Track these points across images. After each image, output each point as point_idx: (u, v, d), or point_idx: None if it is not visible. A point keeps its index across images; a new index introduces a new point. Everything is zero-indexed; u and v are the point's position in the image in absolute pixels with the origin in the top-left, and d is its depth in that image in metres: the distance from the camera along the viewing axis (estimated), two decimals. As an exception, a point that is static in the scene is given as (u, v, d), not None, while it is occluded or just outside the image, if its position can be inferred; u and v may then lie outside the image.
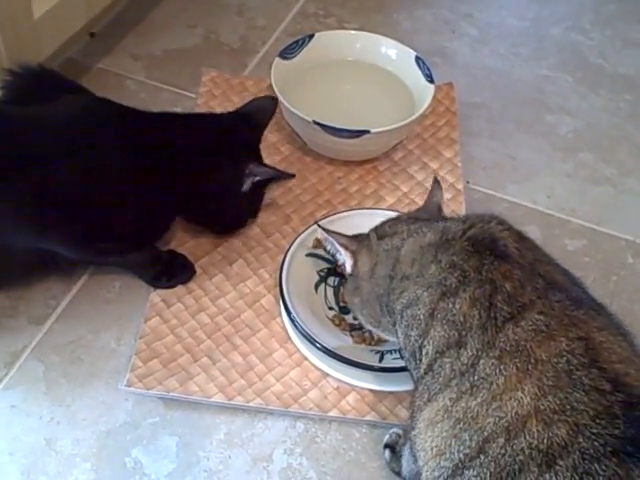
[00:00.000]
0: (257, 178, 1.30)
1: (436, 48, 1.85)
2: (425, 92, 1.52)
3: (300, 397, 1.19)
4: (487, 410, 0.82)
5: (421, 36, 1.88)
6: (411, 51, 1.59)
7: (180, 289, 1.32)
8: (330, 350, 1.17)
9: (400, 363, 1.16)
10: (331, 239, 1.15)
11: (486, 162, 1.60)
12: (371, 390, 1.20)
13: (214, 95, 1.66)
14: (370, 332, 1.25)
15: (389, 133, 1.45)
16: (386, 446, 1.14)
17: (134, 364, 1.20)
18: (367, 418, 1.17)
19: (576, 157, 1.64)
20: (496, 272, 0.90)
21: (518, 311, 0.86)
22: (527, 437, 0.78)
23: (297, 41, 1.60)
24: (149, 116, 1.28)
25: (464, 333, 0.88)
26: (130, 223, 1.21)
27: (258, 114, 1.38)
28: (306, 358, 1.23)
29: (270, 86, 1.52)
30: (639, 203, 1.56)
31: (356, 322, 1.27)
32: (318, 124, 1.42)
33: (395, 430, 1.15)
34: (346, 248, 1.13)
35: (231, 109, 1.57)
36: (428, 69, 1.55)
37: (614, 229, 1.49)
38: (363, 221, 1.26)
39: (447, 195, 1.49)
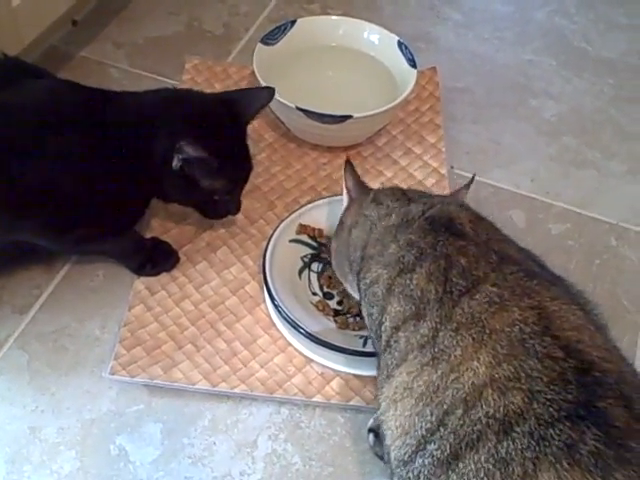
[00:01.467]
0: (181, 156, 1.17)
1: (420, 33, 1.85)
2: (408, 77, 1.52)
3: (284, 383, 1.19)
4: (446, 382, 0.84)
5: (405, 21, 1.87)
6: (394, 36, 1.59)
7: (164, 277, 1.31)
8: (314, 336, 1.17)
9: (384, 348, 1.17)
10: (345, 176, 1.21)
11: (470, 147, 1.61)
12: (355, 375, 1.20)
13: (197, 82, 1.65)
14: (354, 317, 1.26)
15: (372, 118, 1.45)
16: (370, 430, 1.14)
17: (118, 352, 1.20)
18: (351, 403, 1.18)
19: (560, 141, 1.64)
20: (451, 247, 0.93)
21: (473, 284, 0.89)
22: (484, 406, 0.80)
23: (279, 27, 1.60)
24: (112, 95, 1.24)
25: (422, 307, 0.90)
26: (102, 207, 1.18)
27: (246, 102, 1.28)
28: (290, 344, 1.23)
29: (253, 73, 1.51)
30: (622, 186, 1.56)
31: (340, 307, 1.27)
32: (301, 110, 1.42)
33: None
34: (348, 191, 1.20)
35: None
36: (411, 54, 1.55)
37: (598, 212, 1.50)
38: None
39: (431, 180, 1.49)
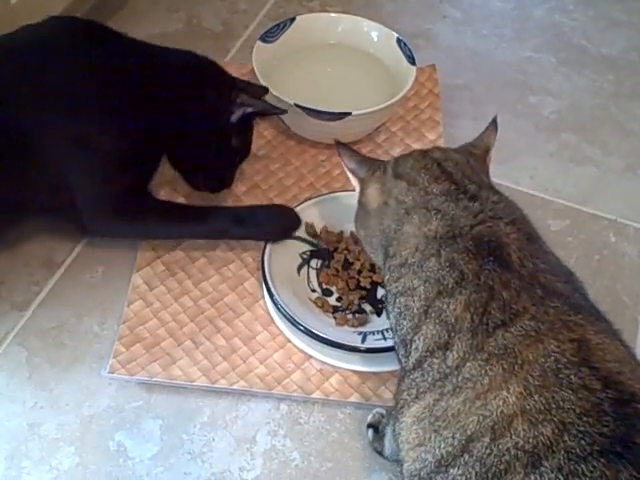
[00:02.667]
0: (249, 109, 1.27)
1: (419, 30, 1.85)
2: (407, 74, 1.52)
3: (283, 379, 1.19)
4: (470, 408, 0.81)
5: (404, 18, 1.87)
6: (392, 33, 1.59)
7: (163, 272, 1.32)
8: (313, 332, 1.17)
9: (383, 344, 1.17)
10: (342, 161, 1.13)
11: (469, 144, 1.60)
12: (354, 371, 1.20)
13: (196, 80, 1.65)
14: (353, 314, 1.26)
15: (371, 115, 1.45)
16: (369, 426, 1.14)
17: (117, 350, 1.20)
18: (350, 399, 1.18)
19: (559, 137, 1.64)
20: (496, 280, 0.87)
21: (510, 318, 0.84)
22: (513, 437, 0.76)
23: (278, 25, 1.60)
24: (129, 40, 1.30)
25: (452, 335, 0.86)
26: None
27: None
28: (289, 340, 1.23)
29: (252, 70, 1.51)
30: (622, 183, 1.56)
31: (339, 304, 1.27)
32: (300, 107, 1.42)
33: (378, 410, 1.15)
34: (354, 174, 1.11)
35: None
36: (409, 51, 1.55)
37: (597, 209, 1.50)
38: (347, 203, 1.26)
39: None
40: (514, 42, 1.87)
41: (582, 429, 0.74)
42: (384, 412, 1.14)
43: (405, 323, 0.93)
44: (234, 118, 1.26)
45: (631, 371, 0.79)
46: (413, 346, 0.91)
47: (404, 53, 1.56)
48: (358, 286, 1.29)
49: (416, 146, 1.55)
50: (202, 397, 1.19)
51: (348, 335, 1.21)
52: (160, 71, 1.25)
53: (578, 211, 1.49)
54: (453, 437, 0.81)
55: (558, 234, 1.44)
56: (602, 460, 0.71)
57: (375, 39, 1.62)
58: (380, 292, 1.29)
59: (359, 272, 1.30)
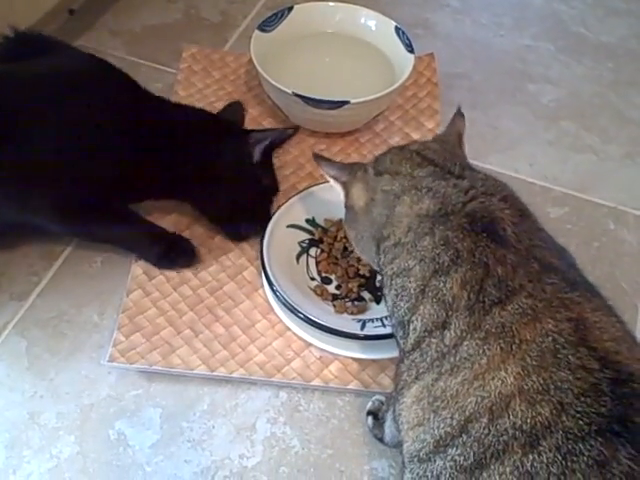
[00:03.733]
0: (264, 143, 1.29)
1: (418, 19, 1.85)
2: (405, 62, 1.52)
3: (283, 367, 1.19)
4: (468, 389, 0.80)
5: (402, 7, 1.87)
6: (391, 22, 1.58)
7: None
8: (312, 320, 1.17)
9: (382, 331, 1.17)
10: (323, 170, 1.15)
11: (468, 132, 1.56)
12: (354, 359, 1.20)
13: (194, 71, 1.65)
14: (352, 302, 1.26)
15: (369, 103, 1.45)
16: (369, 413, 1.15)
17: (116, 339, 1.20)
18: (350, 386, 1.18)
19: (558, 125, 1.64)
20: (490, 256, 0.86)
21: (506, 295, 0.83)
22: (511, 417, 0.76)
23: (276, 14, 1.60)
24: (147, 94, 1.30)
25: (450, 314, 0.86)
26: (110, 188, 1.21)
27: (232, 114, 1.42)
28: (289, 328, 1.23)
29: (251, 60, 1.51)
30: (620, 170, 1.56)
31: (338, 292, 1.27)
32: (298, 96, 1.42)
33: (378, 397, 1.16)
34: (336, 179, 1.12)
35: (211, 84, 1.59)
36: (408, 39, 1.54)
37: (596, 196, 1.50)
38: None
39: (429, 165, 1.49)
40: (513, 31, 1.86)
41: (580, 409, 0.73)
42: (383, 399, 1.15)
43: (402, 304, 0.93)
44: (256, 157, 1.29)
45: (628, 350, 0.79)
46: (411, 327, 0.90)
47: (402, 42, 1.56)
48: (357, 274, 1.29)
49: (415, 135, 1.55)
50: (202, 385, 1.19)
51: (347, 323, 1.20)
52: (183, 129, 1.29)
53: (577, 199, 1.49)
54: (452, 418, 0.81)
55: (557, 222, 1.44)
56: (600, 439, 0.71)
57: (373, 28, 1.61)
58: (379, 279, 1.29)
59: (358, 260, 1.30)
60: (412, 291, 0.91)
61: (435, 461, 0.82)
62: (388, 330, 1.16)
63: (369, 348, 1.19)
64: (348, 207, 1.11)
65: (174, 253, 1.31)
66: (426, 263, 0.90)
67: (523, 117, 1.65)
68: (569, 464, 0.71)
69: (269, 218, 1.31)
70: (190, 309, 1.26)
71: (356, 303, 1.25)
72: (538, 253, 0.88)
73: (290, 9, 1.60)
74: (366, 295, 1.28)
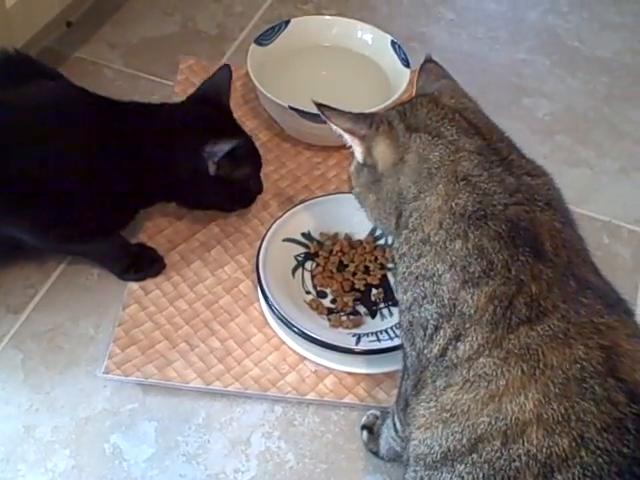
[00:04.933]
0: (218, 156, 1.22)
1: (414, 33, 1.85)
2: (401, 76, 1.52)
3: (278, 381, 1.20)
4: (482, 409, 0.77)
5: (399, 21, 1.88)
6: (387, 35, 1.59)
7: (158, 276, 1.32)
8: (308, 334, 1.18)
9: (377, 346, 1.18)
10: (334, 125, 0.99)
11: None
12: (348, 373, 1.21)
13: (192, 83, 1.65)
14: (347, 315, 1.26)
15: (365, 118, 1.45)
16: (363, 427, 1.15)
17: (112, 351, 1.21)
18: (345, 400, 1.18)
19: (553, 140, 1.65)
20: (527, 272, 0.80)
21: (537, 315, 0.78)
22: (526, 444, 0.73)
23: (273, 27, 1.60)
24: (117, 105, 1.26)
25: (468, 325, 0.81)
26: (93, 210, 1.20)
27: (214, 89, 1.33)
28: (284, 342, 1.24)
29: (247, 73, 1.52)
30: (615, 184, 1.57)
31: (333, 306, 1.28)
32: (295, 109, 1.42)
33: (372, 412, 1.16)
34: (353, 134, 0.97)
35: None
36: (404, 53, 1.55)
37: (591, 210, 1.50)
38: (342, 206, 1.27)
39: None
40: (508, 44, 1.87)
41: (601, 445, 0.70)
42: (378, 413, 1.15)
43: (430, 308, 0.86)
44: (212, 171, 1.24)
45: None
46: (441, 333, 0.84)
47: (399, 56, 1.56)
48: (353, 288, 1.30)
49: (410, 148, 1.55)
50: (197, 399, 1.19)
51: (342, 337, 1.21)
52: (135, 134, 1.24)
53: (572, 212, 1.49)
54: (462, 433, 0.78)
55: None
56: None
57: (370, 42, 1.62)
58: (374, 293, 1.29)
59: (354, 274, 1.30)
60: (445, 301, 0.84)
61: (442, 473, 0.80)
62: (383, 345, 1.17)
63: (364, 362, 1.19)
64: (368, 166, 0.98)
65: (138, 266, 1.31)
66: (456, 271, 0.83)
67: (518, 131, 1.62)
68: None
69: (256, 190, 1.35)
70: (186, 323, 1.26)
71: (351, 317, 1.26)
72: (576, 270, 0.83)
73: (287, 23, 1.61)
74: (361, 309, 1.28)
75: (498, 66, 1.81)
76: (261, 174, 1.40)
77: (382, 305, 1.28)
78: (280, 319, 1.20)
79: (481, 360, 0.79)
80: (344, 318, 1.26)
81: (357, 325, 1.25)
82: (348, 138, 0.98)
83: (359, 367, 1.20)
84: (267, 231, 1.31)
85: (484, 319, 0.80)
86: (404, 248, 0.90)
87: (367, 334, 1.22)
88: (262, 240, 1.30)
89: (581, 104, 1.73)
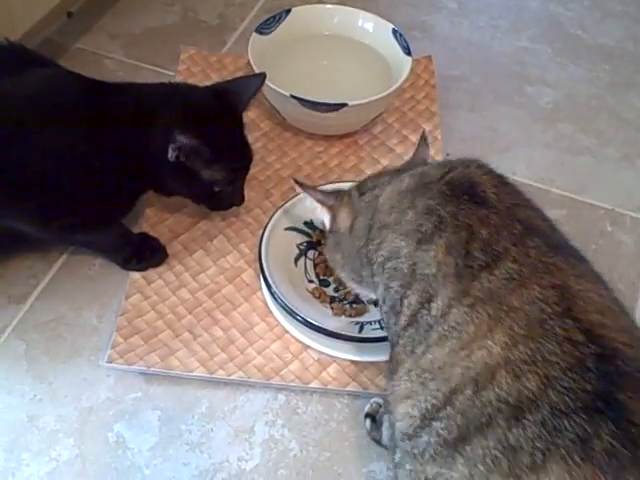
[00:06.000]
0: (176, 145, 1.16)
1: (415, 22, 1.85)
2: (403, 65, 1.52)
3: (281, 369, 1.20)
4: (455, 360, 0.81)
5: (400, 10, 1.87)
6: (388, 24, 1.59)
7: (160, 266, 1.32)
8: (310, 322, 1.18)
9: (380, 333, 1.17)
10: (308, 195, 1.15)
11: (466, 134, 1.61)
12: (352, 361, 1.20)
13: (192, 72, 1.66)
14: (350, 304, 1.26)
15: (367, 106, 1.45)
16: (367, 415, 1.15)
17: (115, 340, 1.21)
18: (348, 389, 1.18)
19: (555, 128, 1.64)
20: (473, 217, 0.88)
21: (493, 259, 0.84)
22: (496, 389, 0.77)
23: (274, 16, 1.60)
24: (110, 87, 1.24)
25: (436, 284, 0.87)
26: (92, 198, 1.19)
27: (239, 90, 1.29)
28: (287, 331, 1.24)
29: (249, 62, 1.51)
30: (618, 172, 1.56)
31: (336, 294, 1.28)
32: (296, 98, 1.42)
33: (376, 400, 1.16)
34: (322, 204, 1.14)
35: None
36: (405, 42, 1.55)
37: (593, 198, 1.50)
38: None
39: (426, 167, 1.49)
40: (510, 33, 1.87)
41: (566, 385, 0.74)
42: (381, 401, 1.15)
43: (394, 284, 0.93)
44: (170, 157, 1.19)
45: (613, 321, 0.80)
46: (405, 302, 0.91)
47: (400, 44, 1.56)
48: (355, 276, 1.30)
49: (412, 137, 1.55)
50: (200, 388, 1.19)
51: (345, 325, 1.21)
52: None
53: (574, 201, 1.50)
54: (438, 390, 0.81)
55: (555, 223, 1.43)
56: (584, 416, 0.72)
57: (371, 30, 1.62)
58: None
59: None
60: (405, 270, 0.92)
61: (421, 436, 0.82)
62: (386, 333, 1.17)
63: (367, 350, 1.19)
64: (333, 231, 1.13)
65: (140, 256, 1.31)
66: (410, 236, 0.92)
67: (520, 119, 1.66)
68: (554, 439, 0.73)
69: (234, 199, 1.31)
70: (189, 312, 1.26)
71: (354, 305, 1.26)
72: (521, 213, 0.90)
73: (288, 12, 1.61)
74: (364, 297, 1.28)
75: (500, 54, 1.81)
76: (264, 163, 1.40)
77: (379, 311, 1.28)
78: (283, 308, 1.20)
79: (453, 311, 0.84)
80: (347, 306, 1.26)
81: (360, 313, 1.25)
82: (319, 208, 1.14)
83: (362, 355, 1.20)
84: (269, 220, 1.31)
85: (448, 272, 0.86)
86: (371, 247, 1.01)
87: (370, 322, 1.22)
88: (264, 229, 1.30)
89: (583, 92, 1.73)
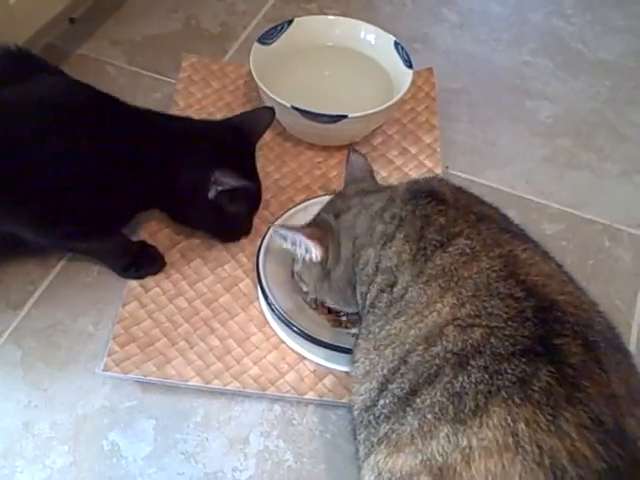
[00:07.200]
0: (223, 188, 1.22)
1: (417, 34, 1.85)
2: (404, 77, 1.52)
3: (277, 380, 1.20)
4: (409, 326, 0.86)
5: (402, 22, 1.88)
6: (390, 36, 1.59)
7: (158, 274, 1.32)
8: (307, 333, 1.18)
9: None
10: (294, 235, 1.11)
11: (466, 147, 1.61)
12: (347, 373, 1.20)
13: (194, 81, 1.66)
14: (347, 315, 1.26)
15: (367, 118, 1.45)
16: (362, 427, 1.15)
17: (111, 348, 1.21)
18: (344, 400, 1.18)
19: (555, 142, 1.65)
20: (431, 209, 0.97)
21: (447, 238, 0.92)
22: (443, 342, 0.82)
23: (276, 26, 1.60)
24: (128, 107, 1.25)
25: (397, 273, 0.94)
26: (95, 209, 1.19)
27: (251, 125, 1.34)
28: (283, 341, 1.24)
29: (250, 71, 1.51)
30: (616, 188, 1.57)
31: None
32: (297, 109, 1.42)
33: (371, 412, 1.16)
34: (313, 238, 1.10)
35: (210, 94, 1.58)
36: (407, 54, 1.55)
37: (591, 213, 1.50)
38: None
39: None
40: (511, 46, 1.87)
41: (507, 332, 0.79)
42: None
43: (364, 288, 1.02)
44: (211, 196, 1.23)
45: (557, 282, 0.86)
46: (368, 296, 0.99)
47: (401, 56, 1.56)
48: (353, 288, 1.30)
49: (412, 149, 1.55)
50: (196, 397, 1.19)
51: (342, 337, 1.21)
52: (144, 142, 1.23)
53: (573, 215, 1.50)
54: (393, 354, 0.86)
55: (553, 238, 1.44)
56: (523, 359, 0.77)
57: (373, 42, 1.62)
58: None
59: (354, 274, 1.30)
60: (370, 271, 1.00)
61: (378, 402, 0.86)
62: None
63: (363, 363, 1.19)
64: (322, 263, 1.12)
65: (138, 264, 1.31)
66: (378, 242, 1.00)
67: (520, 133, 1.66)
68: (495, 382, 0.76)
69: (242, 232, 1.35)
70: (185, 321, 1.26)
71: (351, 317, 1.26)
72: (476, 209, 0.98)
73: (290, 22, 1.61)
74: (361, 309, 1.28)
75: (501, 68, 1.81)
76: (263, 173, 1.40)
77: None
78: (280, 318, 1.20)
79: (409, 290, 0.91)
80: (344, 318, 1.25)
81: (357, 325, 1.24)
82: (310, 243, 1.10)
83: (358, 367, 1.19)
84: (268, 229, 1.31)
85: (405, 259, 0.94)
86: (356, 273, 1.07)
87: (367, 334, 1.22)
88: (262, 239, 1.30)
89: (583, 107, 1.73)
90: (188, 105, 1.60)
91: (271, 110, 1.36)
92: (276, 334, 1.25)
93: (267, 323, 1.26)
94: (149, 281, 1.30)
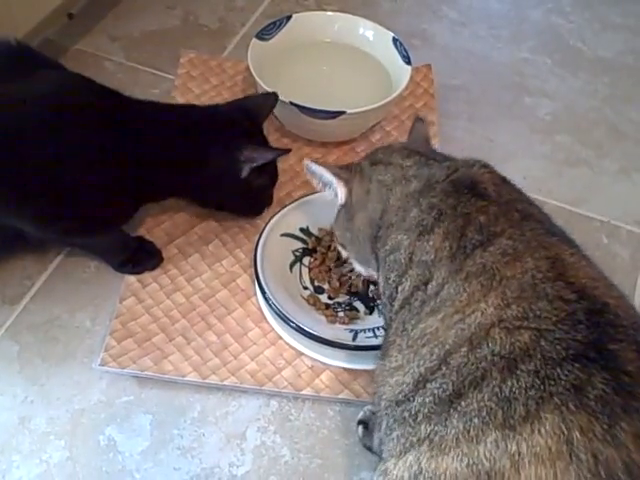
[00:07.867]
0: (255, 164, 1.25)
1: (416, 30, 1.85)
2: (402, 73, 1.52)
3: (274, 376, 1.19)
4: (448, 325, 0.83)
5: (401, 18, 1.88)
6: (389, 32, 1.59)
7: (156, 269, 1.32)
8: (304, 329, 1.17)
9: (374, 342, 1.17)
10: (321, 171, 1.12)
11: (464, 144, 1.61)
12: (345, 368, 1.20)
13: (192, 76, 1.66)
14: (344, 311, 1.26)
15: (365, 114, 1.45)
16: (359, 422, 1.15)
17: (108, 343, 1.20)
18: (341, 396, 1.18)
19: (553, 139, 1.65)
20: (472, 207, 0.91)
21: (488, 238, 0.88)
22: (490, 345, 0.78)
23: (274, 22, 1.60)
24: (131, 101, 1.25)
25: (433, 268, 0.90)
26: (97, 204, 1.18)
27: (257, 107, 1.35)
28: (281, 337, 1.24)
29: (248, 67, 1.51)
30: (615, 184, 1.57)
31: (331, 302, 1.28)
32: (295, 105, 1.42)
33: (369, 407, 1.15)
34: (339, 177, 1.11)
35: (209, 90, 1.58)
36: (405, 50, 1.55)
37: (590, 210, 1.50)
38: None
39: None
40: (510, 43, 1.87)
41: (558, 336, 0.76)
42: (374, 408, 1.15)
43: (392, 275, 0.97)
44: (244, 174, 1.26)
45: (605, 286, 0.83)
46: (399, 289, 0.94)
47: (400, 53, 1.56)
48: (350, 284, 1.30)
49: (411, 145, 1.55)
50: (193, 393, 1.19)
51: (339, 332, 1.21)
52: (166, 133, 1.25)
53: (571, 212, 1.50)
54: (431, 353, 0.83)
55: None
56: (577, 364, 0.74)
57: (371, 38, 1.62)
58: (372, 289, 1.29)
59: (351, 270, 1.30)
60: (402, 260, 0.96)
61: (414, 399, 0.83)
62: (380, 341, 1.16)
63: (360, 358, 1.19)
64: (346, 205, 1.11)
65: (136, 260, 1.31)
66: (412, 230, 0.95)
67: (519, 130, 1.66)
68: (547, 388, 0.73)
69: (267, 202, 1.38)
70: (183, 316, 1.26)
71: (348, 313, 1.26)
72: (519, 206, 0.93)
73: (288, 18, 1.61)
74: (359, 305, 1.28)
75: (500, 65, 1.81)
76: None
77: (379, 301, 1.28)
78: (277, 314, 1.20)
79: (446, 287, 0.87)
80: (341, 314, 1.26)
81: (354, 321, 1.25)
82: (335, 181, 1.11)
83: (355, 363, 1.19)
84: (265, 225, 1.31)
85: (443, 255, 0.90)
86: (378, 249, 1.03)
87: (364, 330, 1.22)
88: (260, 234, 1.29)
89: (582, 104, 1.73)
90: (186, 101, 1.59)
91: (274, 94, 1.37)
92: (273, 330, 1.24)
93: (264, 319, 1.26)
94: (146, 276, 1.30)
